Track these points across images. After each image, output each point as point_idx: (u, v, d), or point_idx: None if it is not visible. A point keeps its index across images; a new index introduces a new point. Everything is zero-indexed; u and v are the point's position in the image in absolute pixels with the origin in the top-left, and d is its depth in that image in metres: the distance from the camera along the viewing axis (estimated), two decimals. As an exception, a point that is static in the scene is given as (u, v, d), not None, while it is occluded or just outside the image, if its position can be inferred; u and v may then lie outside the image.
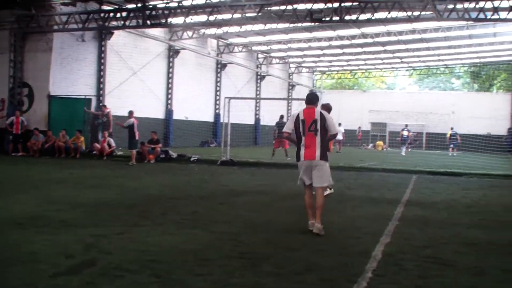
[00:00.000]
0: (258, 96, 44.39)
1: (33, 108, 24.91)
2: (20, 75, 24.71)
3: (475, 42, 39.06)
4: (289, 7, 22.11)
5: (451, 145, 38.32)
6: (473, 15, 20.99)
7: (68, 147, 22.93)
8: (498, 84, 61.44)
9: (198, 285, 5.31)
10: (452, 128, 40.87)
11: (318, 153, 8.03)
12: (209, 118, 38.12)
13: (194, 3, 23.63)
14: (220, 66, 39.01)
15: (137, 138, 20.56)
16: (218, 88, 38.81)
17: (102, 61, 27.66)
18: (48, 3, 24.57)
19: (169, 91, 33.31)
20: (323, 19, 22.55)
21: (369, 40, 36.64)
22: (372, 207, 10.60)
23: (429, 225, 9.03)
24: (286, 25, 28.69)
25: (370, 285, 5.44)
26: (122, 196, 11.51)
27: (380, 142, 46.44)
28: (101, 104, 26.36)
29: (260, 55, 45.18)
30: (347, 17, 21.90)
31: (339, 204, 11.23)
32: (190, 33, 33.34)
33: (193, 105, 35.41)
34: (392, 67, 53.94)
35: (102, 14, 24.55)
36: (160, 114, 32.71)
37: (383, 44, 38.73)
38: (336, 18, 21.85)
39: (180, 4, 23.79)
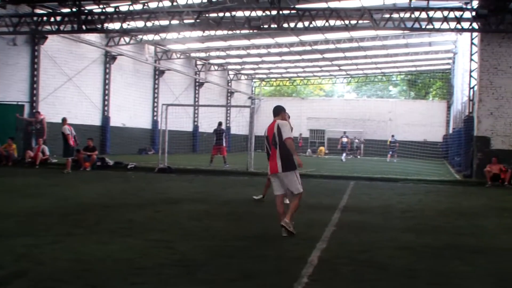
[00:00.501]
0: (196, 103, 44.25)
1: (-39, 114, 23.99)
2: None
3: (412, 51, 40.24)
4: (227, 14, 22.17)
5: (390, 152, 39.29)
6: (409, 24, 21.56)
7: (-1, 155, 22.21)
8: (434, 92, 63.29)
9: (132, 294, 5.24)
10: (392, 136, 41.93)
11: (279, 164, 8.38)
12: (147, 125, 37.72)
13: (131, 8, 23.40)
14: (158, 73, 38.69)
15: (73, 145, 20.12)
16: (156, 95, 38.45)
17: (36, 66, 26.94)
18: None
19: (106, 97, 32.78)
20: (261, 26, 22.72)
21: (308, 47, 37.14)
22: (309, 213, 10.69)
23: (365, 230, 9.20)
24: (225, 32, 28.74)
25: (305, 290, 5.49)
26: (56, 205, 11.21)
27: (322, 148, 47.05)
28: (34, 111, 25.67)
29: (198, 62, 45.08)
30: (285, 25, 22.12)
31: (275, 210, 11.24)
32: (127, 39, 33.01)
33: (131, 112, 34.99)
34: (331, 75, 54.81)
35: (34, 18, 23.95)
36: (96, 121, 32.14)
37: (321, 52, 39.32)
38: (274, 25, 22.03)
39: (117, 10, 23.49)
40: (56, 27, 23.91)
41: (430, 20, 20.81)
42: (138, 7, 23.72)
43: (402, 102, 56.56)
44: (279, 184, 8.64)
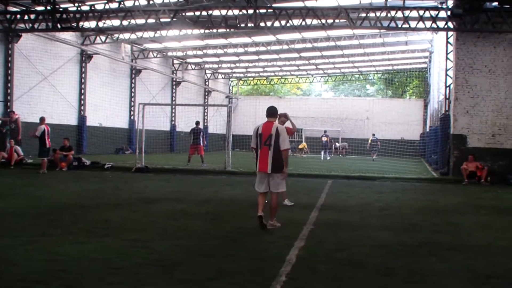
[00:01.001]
0: (173, 102, 44.04)
1: None
2: None
3: (388, 50, 40.51)
4: (204, 13, 22.11)
5: (373, 151, 39.68)
6: (385, 23, 21.71)
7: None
8: (411, 91, 63.75)
9: (108, 295, 5.18)
10: (373, 135, 42.21)
11: (270, 165, 8.80)
12: (124, 124, 37.42)
13: (107, 7, 23.19)
14: (135, 72, 38.41)
15: (48, 146, 19.88)
16: (132, 94, 38.16)
17: (9, 65, 26.45)
18: None
19: (82, 97, 32.43)
20: (238, 25, 22.69)
21: (285, 46, 37.17)
22: (287, 212, 10.69)
23: (343, 229, 9.22)
24: (202, 31, 28.62)
25: (284, 289, 5.48)
26: (31, 205, 11.06)
27: (304, 144, 47.02)
28: (9, 110, 25.27)
29: (175, 61, 44.86)
30: (262, 24, 22.10)
31: (253, 209, 11.24)
32: (103, 37, 32.73)
33: (107, 111, 34.67)
34: (308, 74, 54.92)
35: (8, 16, 23.61)
36: (72, 120, 31.79)
37: (298, 50, 39.39)
38: (251, 24, 22.02)
39: (93, 8, 23.27)
40: (30, 25, 23.63)
41: (406, 19, 20.97)
42: (114, 5, 23.51)
43: (379, 101, 56.87)
44: (264, 182, 9.00)
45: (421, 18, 20.64)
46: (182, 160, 25.25)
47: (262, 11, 21.65)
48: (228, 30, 25.90)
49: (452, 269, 6.53)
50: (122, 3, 23.47)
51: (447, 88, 24.22)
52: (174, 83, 44.75)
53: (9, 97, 26.45)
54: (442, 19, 20.61)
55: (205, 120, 49.44)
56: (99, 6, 23.47)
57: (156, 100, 39.21)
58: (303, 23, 21.89)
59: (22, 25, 24.04)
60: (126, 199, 12.64)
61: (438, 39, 31.43)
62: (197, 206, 11.68)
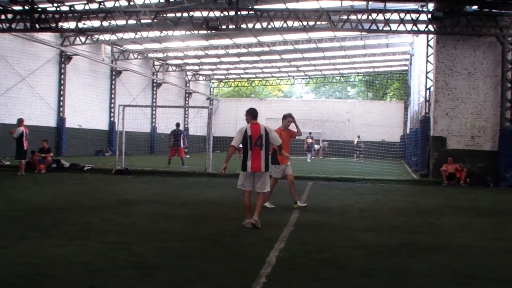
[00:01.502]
0: (154, 104, 43.87)
1: None
2: None
3: (369, 52, 40.67)
4: (185, 14, 22.02)
5: (357, 152, 39.85)
6: (366, 26, 21.77)
7: None
8: (391, 93, 64.10)
9: (88, 298, 5.13)
10: (358, 137, 42.41)
11: (263, 165, 9.23)
12: (104, 126, 37.17)
13: (87, 7, 23.01)
14: (115, 73, 38.17)
15: (26, 148, 19.65)
16: (112, 96, 37.91)
17: (-14, 66, 26.21)
18: None
19: (61, 98, 32.13)
20: (219, 27, 22.65)
21: (266, 48, 37.23)
22: (268, 213, 10.67)
23: (323, 230, 9.25)
24: (183, 32, 28.57)
25: (264, 291, 5.47)
26: (9, 208, 10.94)
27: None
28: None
29: (156, 62, 44.69)
30: (243, 26, 22.07)
31: (233, 211, 11.25)
32: (83, 38, 32.48)
33: (87, 113, 34.40)
34: (289, 76, 55.02)
35: (-16, 15, 23.33)
36: (51, 122, 31.49)
37: (279, 52, 39.46)
38: (232, 26, 22.00)
39: (72, 9, 23.05)
40: (8, 25, 23.26)
41: (387, 22, 21.09)
42: (94, 6, 23.33)
43: (360, 103, 57.10)
44: (251, 181, 9.34)
45: (402, 21, 20.77)
46: (162, 162, 25.15)
47: (244, 13, 21.63)
48: (209, 31, 25.80)
49: (432, 269, 6.56)
50: (102, 3, 23.30)
51: (427, 91, 24.42)
52: (154, 84, 44.58)
53: (-14, 98, 26.16)
54: (423, 22, 20.76)
55: (186, 122, 49.31)
56: (79, 7, 23.26)
57: (136, 102, 39.05)
58: (285, 25, 21.90)
59: (-1, 25, 23.74)
60: (106, 201, 12.54)
61: (418, 41, 31.66)
62: (177, 208, 11.63)
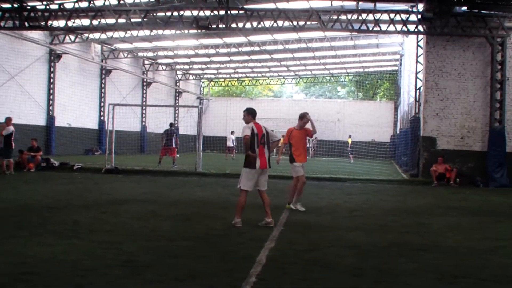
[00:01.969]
0: (144, 103, 43.78)
1: None
2: None
3: (359, 52, 40.82)
4: (175, 13, 21.97)
5: (352, 152, 39.81)
6: (356, 26, 21.81)
7: None
8: (381, 93, 64.32)
9: (77, 297, 5.10)
10: (350, 136, 42.48)
11: (268, 162, 9.55)
12: (94, 125, 37.04)
13: (76, 6, 22.89)
14: (105, 72, 38.04)
15: (13, 147, 19.47)
16: (102, 95, 37.78)
17: (-25, 64, 26.02)
18: None
19: (51, 97, 31.98)
20: (210, 26, 22.60)
21: (256, 48, 37.23)
22: (258, 213, 10.64)
23: (313, 230, 9.26)
24: (173, 31, 28.50)
25: (254, 290, 5.46)
26: (-3, 207, 10.86)
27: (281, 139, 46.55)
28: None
29: (146, 62, 44.61)
30: (233, 25, 22.06)
31: (222, 210, 11.24)
32: (72, 37, 32.34)
33: (77, 112, 34.28)
34: (279, 75, 55.09)
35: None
36: (41, 121, 31.34)
37: (270, 52, 39.48)
38: (222, 25, 21.95)
39: (62, 7, 22.97)
40: (-4, 23, 23.15)
41: (377, 22, 21.14)
42: (84, 4, 23.19)
43: (350, 103, 57.24)
44: (255, 180, 9.45)
45: (392, 21, 20.81)
46: (152, 161, 25.10)
47: (234, 12, 21.61)
48: (199, 31, 25.75)
49: (421, 269, 6.58)
50: (92, 2, 23.16)
51: (417, 91, 24.52)
52: (144, 83, 44.50)
53: (-26, 97, 25.98)
54: (413, 22, 20.80)
55: (176, 121, 49.23)
56: (69, 5, 23.15)
57: (126, 101, 38.95)
58: (275, 24, 21.89)
59: (-13, 23, 23.57)
60: (95, 200, 12.48)
61: (408, 42, 31.79)
62: (167, 207, 11.60)
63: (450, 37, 20.84)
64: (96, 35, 32.34)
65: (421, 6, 20.15)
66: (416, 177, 21.59)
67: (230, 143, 37.81)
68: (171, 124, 25.64)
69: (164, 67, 46.97)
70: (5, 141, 19.27)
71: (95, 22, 23.12)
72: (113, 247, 7.23)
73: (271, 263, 6.58)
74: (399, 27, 21.02)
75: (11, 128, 19.28)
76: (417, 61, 24.60)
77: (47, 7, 23.09)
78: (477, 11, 20.04)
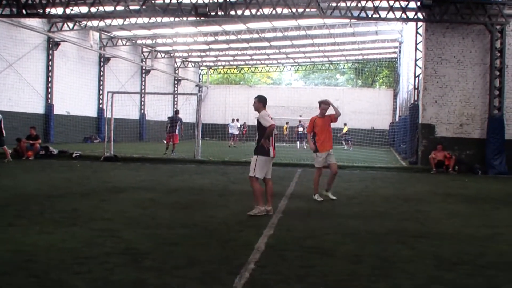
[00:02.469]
0: (143, 91, 43.72)
1: None
2: None
3: (358, 40, 40.74)
4: (174, 0, 21.90)
5: (349, 140, 39.76)
6: (355, 13, 21.72)
7: None
8: (381, 80, 64.17)
9: (77, 284, 5.11)
10: (345, 124, 42.47)
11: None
12: (92, 113, 37.04)
13: (74, -7, 22.82)
14: (103, 60, 37.98)
15: (4, 134, 19.25)
16: (101, 82, 37.75)
17: (-28, 52, 25.94)
18: None
19: (49, 85, 31.95)
20: (208, 13, 22.52)
21: (255, 35, 37.14)
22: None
23: (312, 217, 9.28)
24: (171, 19, 28.41)
25: (253, 276, 5.48)
26: (-4, 195, 10.87)
27: (286, 126, 46.52)
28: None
29: (145, 49, 44.50)
30: (232, 13, 21.97)
31: (221, 198, 11.26)
32: (71, 24, 32.25)
33: (75, 100, 34.25)
34: (278, 63, 54.95)
35: (-30, 1, 23.04)
36: (39, 108, 31.32)
37: (268, 39, 39.38)
38: (221, 13, 21.87)
39: (60, -6, 22.87)
40: (-6, 10, 23.06)
41: (376, 9, 21.05)
42: (82, -9, 23.16)
43: (349, 90, 57.17)
44: (267, 168, 9.41)
45: (391, 9, 20.74)
46: (151, 149, 25.12)
47: (233, -1, 21.56)
48: (198, 18, 25.66)
49: (419, 256, 6.59)
50: (90, -11, 23.13)
51: (416, 78, 24.48)
52: (143, 71, 44.43)
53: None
54: (412, 9, 20.74)
55: (175, 109, 49.17)
56: (67, -8, 23.09)
57: (125, 89, 38.91)
58: (274, 12, 21.82)
59: (-15, 11, 23.47)
60: (95, 188, 12.49)
61: (407, 29, 31.70)
62: (166, 195, 11.61)
63: (450, 24, 20.78)
64: (95, 23, 32.26)
65: (420, -7, 20.08)
66: (415, 165, 21.60)
67: (235, 131, 37.81)
68: (176, 111, 25.64)
69: (163, 54, 46.85)
70: None
71: (93, 9, 23.02)
72: (112, 235, 7.23)
73: (270, 250, 6.59)
74: (398, 14, 20.95)
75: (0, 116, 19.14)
76: (416, 49, 24.53)
77: (45, -6, 22.99)
78: (476, -3, 19.98)
